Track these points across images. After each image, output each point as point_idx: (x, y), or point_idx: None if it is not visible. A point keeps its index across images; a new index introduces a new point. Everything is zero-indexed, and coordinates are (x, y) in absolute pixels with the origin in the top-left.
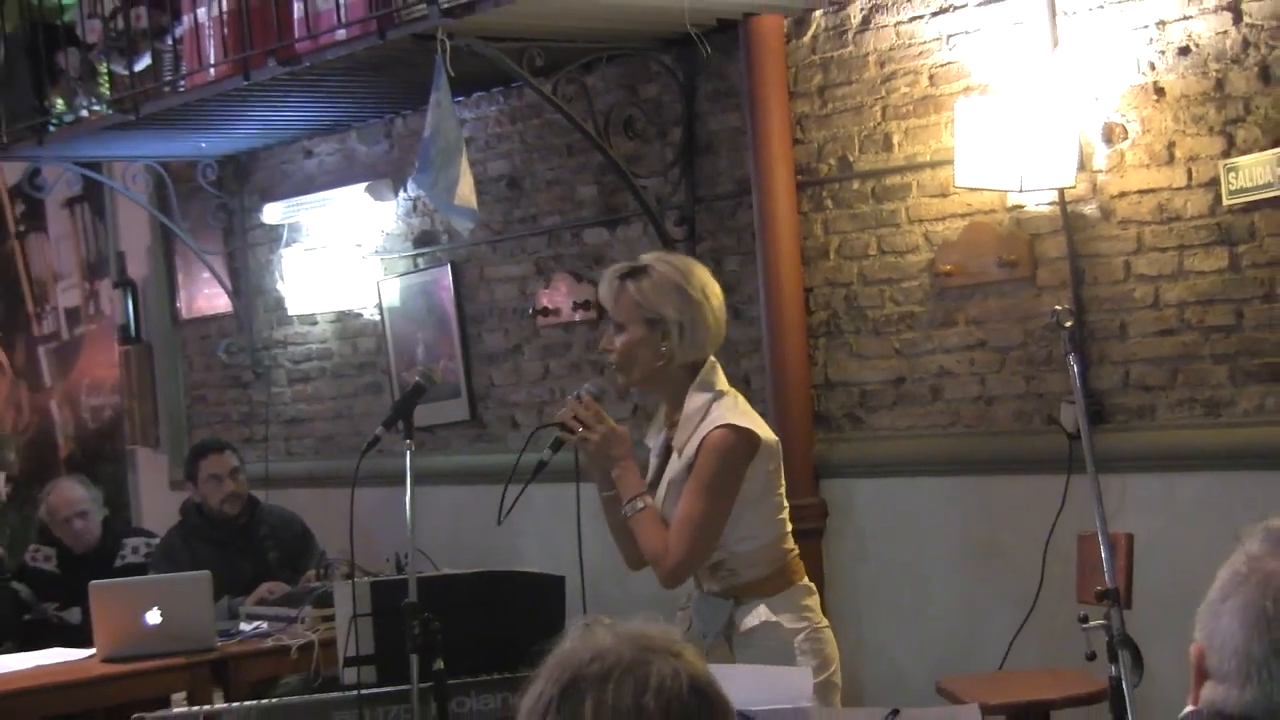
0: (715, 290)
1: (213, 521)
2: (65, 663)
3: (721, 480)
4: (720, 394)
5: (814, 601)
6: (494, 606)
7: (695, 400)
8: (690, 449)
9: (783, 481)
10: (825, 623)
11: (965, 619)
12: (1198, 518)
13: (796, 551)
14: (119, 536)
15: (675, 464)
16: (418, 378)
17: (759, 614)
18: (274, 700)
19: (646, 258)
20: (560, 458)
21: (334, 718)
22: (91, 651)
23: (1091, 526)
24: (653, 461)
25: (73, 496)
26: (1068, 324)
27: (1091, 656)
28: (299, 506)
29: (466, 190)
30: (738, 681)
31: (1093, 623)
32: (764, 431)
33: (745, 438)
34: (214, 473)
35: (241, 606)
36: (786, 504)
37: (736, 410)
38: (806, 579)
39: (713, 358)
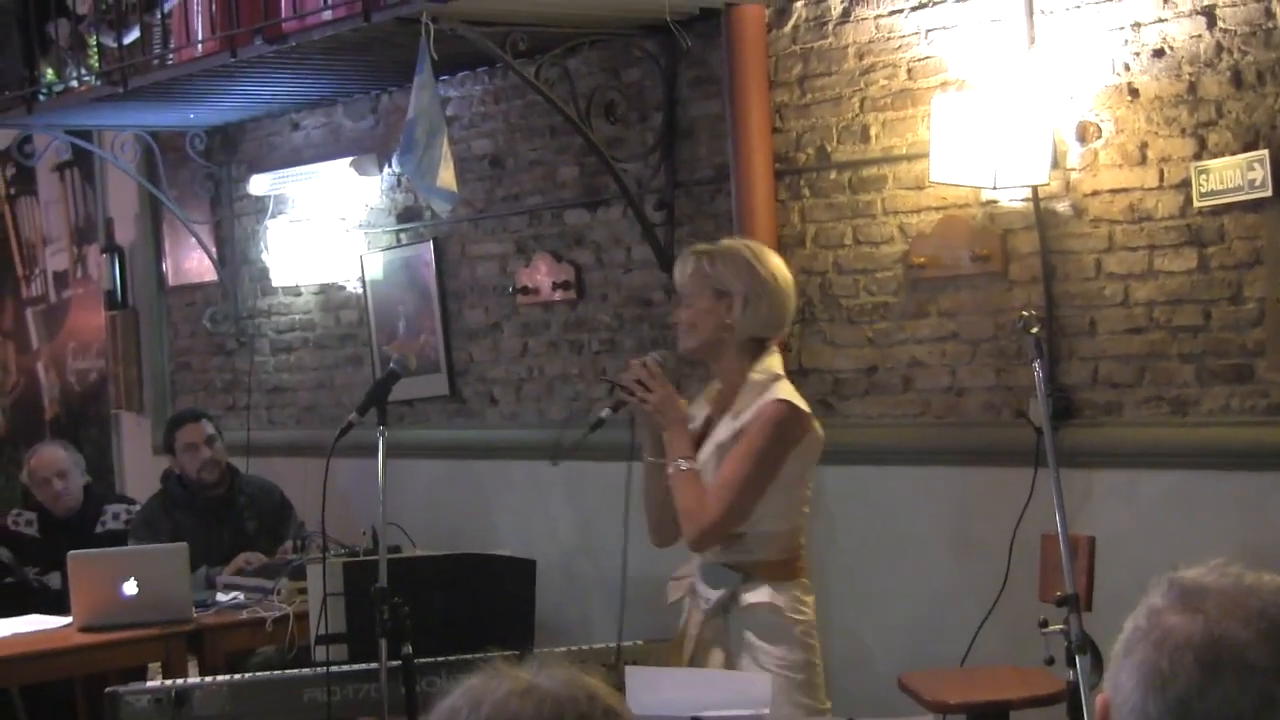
0: (785, 277)
1: (192, 490)
2: (42, 631)
3: (768, 452)
4: (779, 377)
5: (811, 600)
6: (465, 589)
7: (758, 375)
8: (746, 416)
9: (814, 477)
10: (814, 622)
11: (930, 608)
12: (1161, 515)
13: (805, 549)
14: (100, 502)
15: (726, 426)
16: (392, 365)
17: (764, 593)
18: (245, 676)
19: (725, 240)
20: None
21: (305, 695)
22: (69, 619)
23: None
24: (690, 430)
25: (53, 457)
26: (1034, 330)
27: (1050, 661)
28: (279, 475)
29: (447, 173)
30: (696, 685)
31: (1052, 627)
32: (816, 424)
33: (800, 419)
34: (190, 441)
35: (219, 577)
36: (809, 500)
37: (795, 395)
38: (808, 579)
39: (774, 347)
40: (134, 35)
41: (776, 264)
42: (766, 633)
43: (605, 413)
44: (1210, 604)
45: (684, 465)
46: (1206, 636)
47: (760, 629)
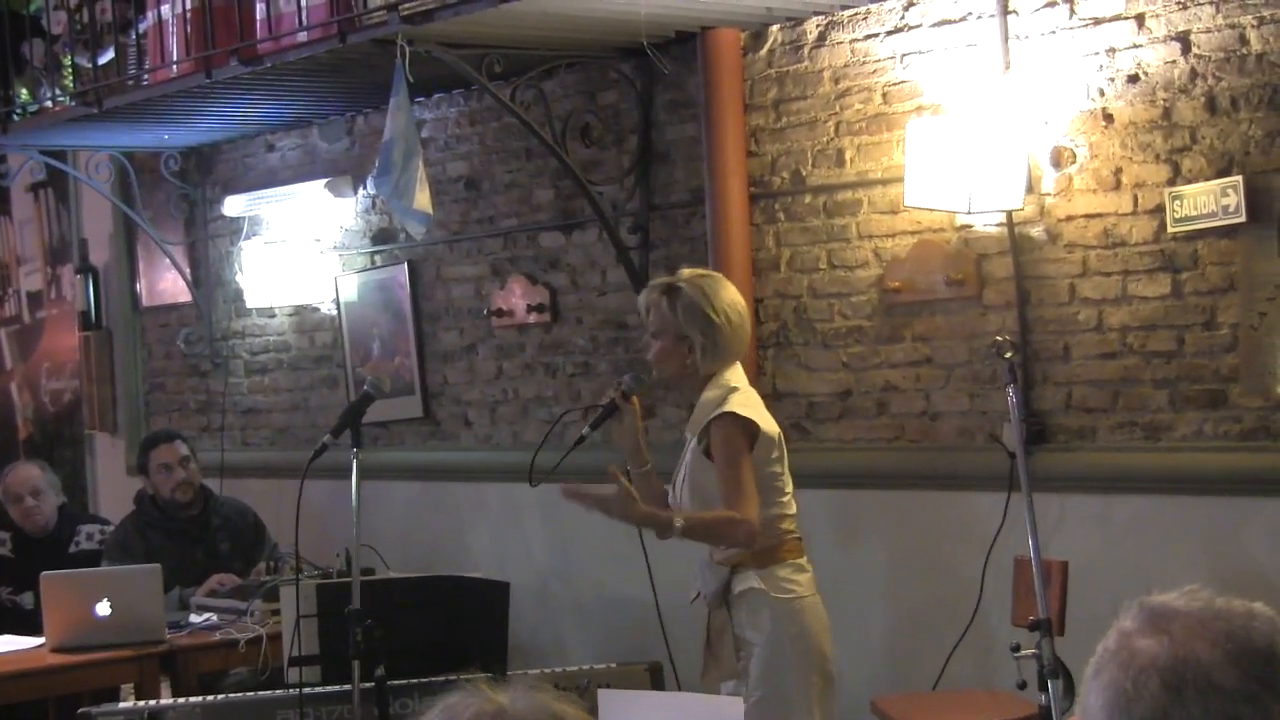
0: (738, 309)
1: (166, 511)
2: (14, 652)
3: (737, 454)
4: (733, 389)
5: (803, 578)
6: (439, 610)
7: (709, 393)
8: (702, 436)
9: (785, 470)
10: (811, 595)
11: (904, 632)
12: (1134, 539)
13: (795, 534)
14: (74, 522)
15: (688, 448)
16: (366, 387)
17: (747, 580)
18: (219, 697)
19: (684, 275)
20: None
21: (278, 716)
22: (41, 640)
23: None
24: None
25: (28, 475)
26: (1007, 355)
27: (1022, 685)
28: (253, 496)
29: (423, 195)
30: (669, 709)
31: (1025, 651)
32: (765, 423)
33: (743, 425)
34: (164, 462)
35: (192, 598)
36: (790, 490)
37: (743, 404)
38: (802, 559)
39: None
40: (109, 56)
41: (730, 302)
42: (757, 613)
43: (586, 430)
44: (1177, 626)
45: (678, 523)
46: (1171, 658)
47: (751, 611)
